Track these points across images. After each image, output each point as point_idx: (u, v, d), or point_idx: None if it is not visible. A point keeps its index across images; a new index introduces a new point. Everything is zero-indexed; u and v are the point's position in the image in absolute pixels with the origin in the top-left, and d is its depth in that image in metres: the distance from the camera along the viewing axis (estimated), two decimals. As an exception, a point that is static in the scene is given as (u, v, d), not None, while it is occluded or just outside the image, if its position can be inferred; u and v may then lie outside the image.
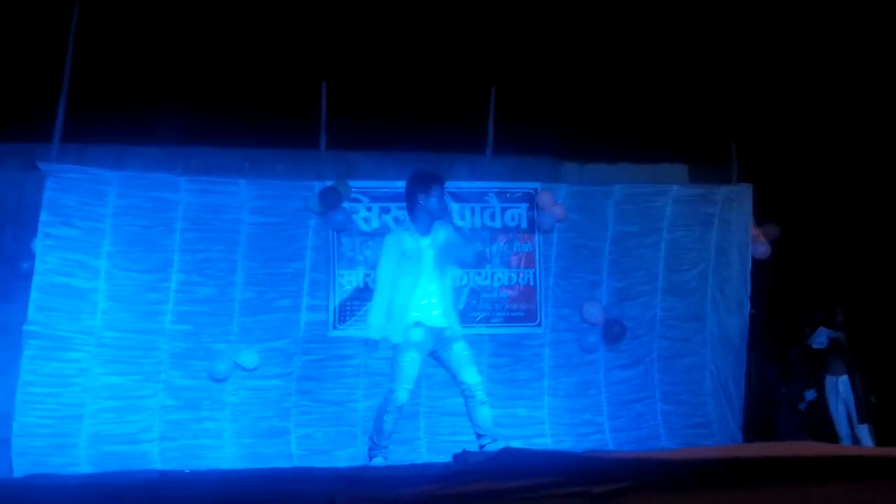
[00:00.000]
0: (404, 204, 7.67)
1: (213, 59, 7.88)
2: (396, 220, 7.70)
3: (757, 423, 8.56)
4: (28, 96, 7.53)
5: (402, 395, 5.73)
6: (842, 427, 8.18)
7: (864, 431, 8.02)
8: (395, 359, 5.79)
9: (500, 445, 5.51)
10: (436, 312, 5.80)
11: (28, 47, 7.53)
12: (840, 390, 8.19)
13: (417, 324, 5.75)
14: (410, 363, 5.72)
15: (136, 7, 7.85)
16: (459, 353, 5.82)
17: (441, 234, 5.94)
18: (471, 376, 5.79)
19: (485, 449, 5.62)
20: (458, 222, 7.68)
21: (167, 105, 8.17)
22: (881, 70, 7.86)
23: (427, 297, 5.80)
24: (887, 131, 8.23)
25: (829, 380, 8.28)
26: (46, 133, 7.10)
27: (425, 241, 5.88)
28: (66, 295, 6.98)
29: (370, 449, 5.90)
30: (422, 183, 5.91)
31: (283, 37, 7.93)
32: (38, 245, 6.90)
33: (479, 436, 5.80)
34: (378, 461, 5.84)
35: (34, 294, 6.86)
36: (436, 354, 5.89)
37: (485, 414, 5.78)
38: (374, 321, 5.88)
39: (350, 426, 7.55)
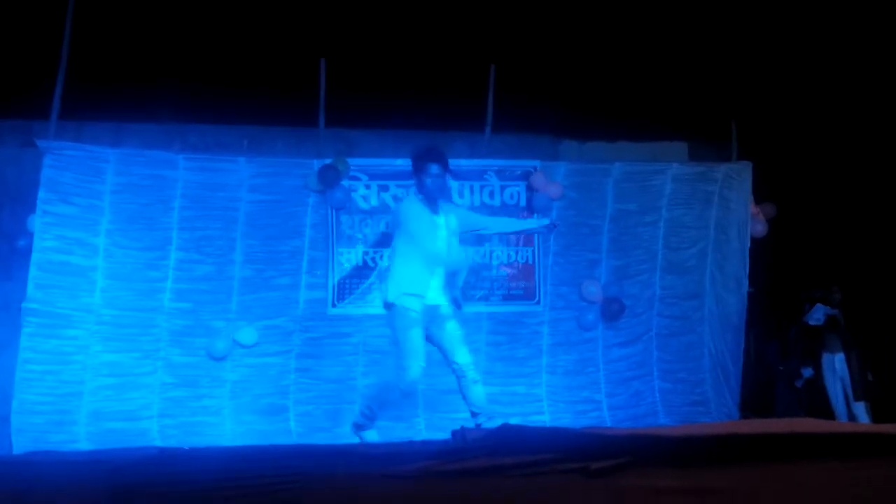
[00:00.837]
0: (403, 182, 7.74)
1: (212, 35, 7.83)
2: (395, 198, 7.71)
3: (754, 400, 8.59)
4: (26, 73, 7.49)
5: (416, 370, 5.67)
6: (838, 405, 8.20)
7: (860, 409, 8.05)
8: (399, 338, 5.73)
9: (496, 422, 5.52)
10: (434, 289, 5.79)
11: (26, 24, 7.48)
12: (837, 368, 8.21)
13: (417, 295, 5.71)
14: (416, 338, 5.68)
15: (134, -17, 7.80)
16: (452, 332, 5.81)
17: (452, 218, 5.92)
18: (462, 356, 5.77)
19: (481, 426, 5.63)
20: (458, 200, 7.71)
21: (165, 82, 8.12)
22: (881, 50, 7.82)
23: (430, 273, 5.78)
24: (886, 111, 8.20)
25: (826, 357, 8.30)
26: (44, 110, 7.07)
27: (438, 219, 5.85)
28: (64, 272, 6.98)
29: (364, 419, 5.85)
30: (418, 160, 5.88)
31: (282, 13, 7.88)
32: (37, 222, 6.90)
33: (474, 414, 5.80)
34: (372, 435, 5.82)
35: (33, 271, 6.86)
36: (429, 331, 5.87)
37: (478, 392, 5.77)
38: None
39: (349, 403, 7.56)
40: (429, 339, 5.90)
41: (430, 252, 5.74)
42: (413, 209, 5.86)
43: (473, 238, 6.90)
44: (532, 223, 6.30)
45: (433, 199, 5.86)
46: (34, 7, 7.44)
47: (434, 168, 5.80)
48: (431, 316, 5.79)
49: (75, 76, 7.10)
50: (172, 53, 7.88)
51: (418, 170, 5.85)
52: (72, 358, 6.98)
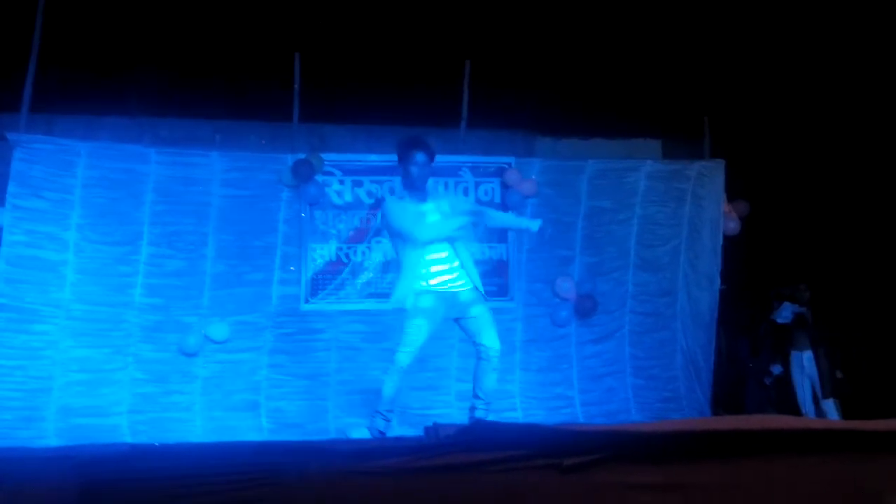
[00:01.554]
0: (377, 177, 7.73)
1: (185, 28, 7.76)
2: (369, 194, 7.69)
3: (726, 397, 8.64)
4: (-5, 65, 7.40)
5: (403, 357, 5.69)
6: (806, 402, 8.26)
7: (829, 406, 8.10)
8: (403, 324, 5.74)
9: (489, 416, 5.57)
10: (448, 278, 5.75)
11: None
12: (805, 365, 8.27)
13: (427, 290, 5.70)
14: (416, 329, 5.68)
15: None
16: (478, 316, 5.77)
17: (444, 202, 5.89)
18: (490, 339, 5.75)
19: (475, 413, 5.65)
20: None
21: (137, 75, 8.04)
22: (855, 47, 7.89)
23: (437, 263, 5.76)
24: (858, 108, 8.27)
25: (794, 355, 8.35)
26: (14, 102, 6.97)
27: (426, 207, 5.83)
28: (34, 267, 6.90)
29: (384, 423, 5.83)
30: (404, 149, 5.87)
31: (256, 6, 7.83)
32: (7, 217, 6.82)
33: (476, 397, 5.81)
34: (378, 423, 5.77)
35: (2, 266, 6.79)
36: (454, 320, 5.87)
37: (492, 380, 5.78)
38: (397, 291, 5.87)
39: (321, 400, 7.55)
40: (457, 326, 5.94)
41: (424, 242, 5.72)
42: (394, 209, 5.84)
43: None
44: (525, 222, 6.25)
45: (418, 188, 5.85)
46: (4, -1, 7.35)
47: (419, 157, 5.80)
48: (450, 305, 5.76)
49: (46, 68, 7.02)
50: (145, 46, 7.80)
51: (403, 158, 5.84)
52: (41, 353, 6.91)
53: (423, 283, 5.70)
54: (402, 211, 5.79)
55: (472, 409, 5.78)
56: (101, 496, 3.01)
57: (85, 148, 7.12)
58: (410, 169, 5.79)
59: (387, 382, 5.78)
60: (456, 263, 5.78)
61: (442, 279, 5.74)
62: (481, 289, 5.84)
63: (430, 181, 5.94)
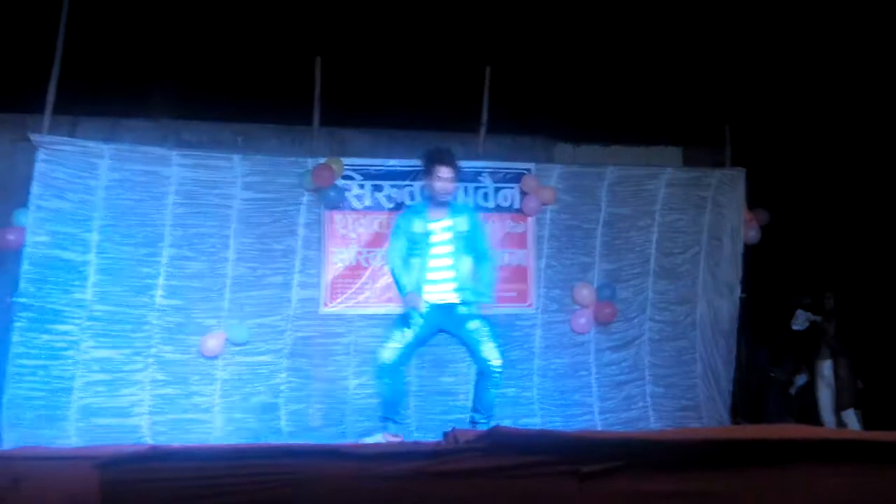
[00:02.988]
0: (397, 182, 7.76)
1: (208, 32, 7.82)
2: (389, 198, 7.72)
3: (745, 406, 8.60)
4: (20, 67, 7.46)
5: (384, 352, 5.77)
6: (825, 412, 8.21)
7: (849, 416, 8.05)
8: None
9: (488, 425, 5.56)
10: (446, 290, 5.83)
11: (20, 18, 7.46)
12: (825, 374, 8.22)
13: (425, 301, 5.82)
14: (401, 328, 5.82)
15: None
16: (474, 330, 5.83)
17: (462, 220, 5.94)
18: (487, 353, 5.81)
19: (476, 426, 5.65)
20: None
21: (160, 78, 8.11)
22: (875, 57, 7.85)
23: (438, 276, 5.82)
24: (880, 116, 8.22)
25: (818, 364, 8.31)
26: (38, 104, 7.03)
27: (438, 224, 5.87)
28: (57, 267, 6.95)
29: (381, 421, 5.93)
30: (428, 161, 5.92)
31: (278, 12, 7.88)
32: (30, 217, 6.87)
33: (475, 410, 5.84)
34: (391, 429, 5.79)
35: (25, 266, 6.83)
36: (450, 333, 5.94)
37: (492, 394, 5.82)
38: (400, 283, 5.99)
39: (340, 403, 7.56)
40: (454, 339, 6.02)
41: (431, 257, 5.84)
42: (403, 224, 6.01)
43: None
44: (483, 290, 6.21)
45: (440, 202, 5.88)
46: (29, 1, 7.42)
47: (443, 171, 5.84)
48: (445, 316, 5.80)
49: (70, 71, 7.07)
50: (168, 50, 7.86)
51: (427, 171, 5.89)
52: (63, 353, 6.95)
53: (426, 292, 5.77)
54: (412, 225, 5.93)
55: (473, 422, 5.81)
56: (121, 496, 3.04)
57: (108, 150, 7.17)
58: (434, 183, 5.84)
59: (379, 386, 5.82)
60: (456, 278, 5.82)
61: (438, 290, 5.78)
62: (488, 298, 5.86)
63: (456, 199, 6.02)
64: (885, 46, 7.73)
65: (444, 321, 5.87)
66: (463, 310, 5.85)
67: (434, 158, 5.91)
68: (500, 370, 5.85)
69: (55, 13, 7.02)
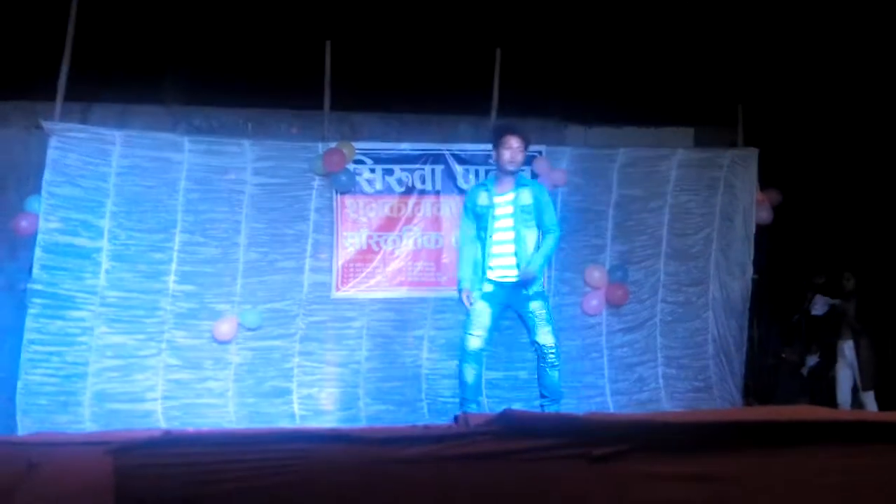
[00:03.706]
0: (408, 165, 7.77)
1: (218, 17, 7.81)
2: (399, 182, 7.72)
3: (758, 387, 8.58)
4: (32, 54, 7.47)
5: (469, 340, 5.89)
6: (842, 393, 8.17)
7: (869, 398, 7.99)
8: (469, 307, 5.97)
9: (558, 407, 5.86)
10: (508, 269, 5.90)
11: (31, 4, 7.46)
12: (846, 354, 8.16)
13: (489, 279, 5.92)
14: (478, 312, 5.92)
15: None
16: (534, 312, 5.94)
17: (525, 193, 5.99)
18: (543, 337, 5.90)
19: (544, 408, 5.84)
20: (462, 185, 7.70)
21: (171, 64, 8.12)
22: (890, 34, 7.77)
23: (501, 254, 5.88)
24: (893, 96, 8.15)
25: (839, 344, 8.24)
26: (50, 91, 7.05)
27: (502, 197, 5.92)
28: (69, 254, 6.99)
29: (461, 405, 6.01)
30: (495, 133, 6.02)
31: (287, -4, 7.86)
32: (42, 204, 6.90)
33: (542, 395, 5.94)
34: (469, 408, 5.89)
35: (38, 253, 6.87)
36: (514, 310, 6.07)
37: (552, 376, 5.93)
38: (458, 274, 6.16)
39: (352, 387, 7.59)
40: (517, 317, 6.16)
41: (494, 232, 5.94)
42: (469, 200, 6.19)
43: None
44: (537, 265, 6.20)
45: (508, 172, 5.92)
46: (40, -11, 7.43)
47: (512, 140, 5.92)
48: (510, 295, 5.89)
49: (81, 58, 7.09)
50: (178, 36, 7.86)
51: (496, 142, 6.02)
52: (76, 339, 7.00)
53: (489, 271, 5.84)
54: (478, 198, 6.07)
55: (542, 407, 5.91)
56: (135, 481, 3.05)
57: (119, 136, 7.19)
58: (503, 153, 5.90)
59: (462, 369, 5.94)
60: (519, 256, 5.87)
61: (502, 271, 5.84)
62: (534, 270, 5.90)
63: (522, 173, 6.18)
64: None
65: (510, 299, 5.95)
66: (525, 289, 5.92)
67: (503, 128, 6.08)
68: (553, 351, 5.92)
69: (66, 1, 7.01)
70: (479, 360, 5.98)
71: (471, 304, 5.96)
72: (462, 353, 6.01)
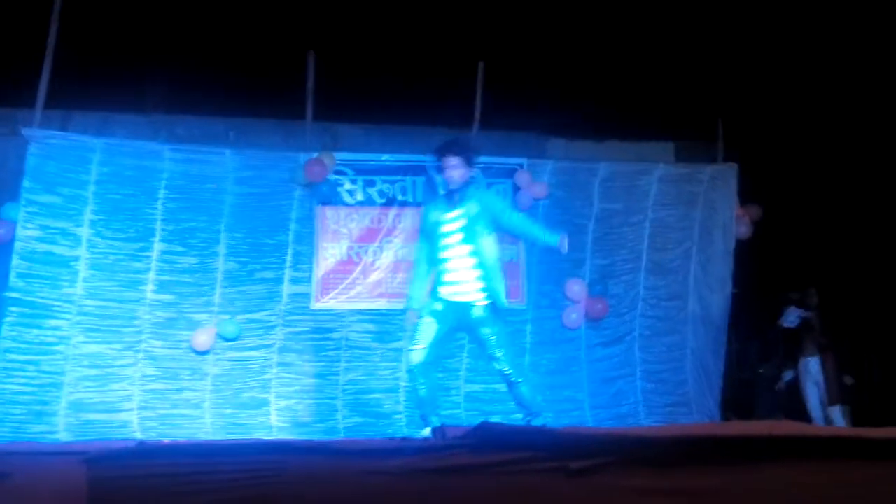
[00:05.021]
0: (389, 177, 7.76)
1: (200, 26, 7.80)
2: (381, 193, 7.71)
3: (736, 401, 8.62)
4: (11, 61, 7.43)
5: (413, 354, 5.76)
6: (814, 409, 8.23)
7: (836, 413, 8.06)
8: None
9: (542, 420, 5.70)
10: (457, 289, 5.75)
11: (12, 11, 7.42)
12: (812, 371, 8.23)
13: (440, 297, 5.77)
14: (424, 325, 5.76)
15: (122, -27, 7.76)
16: (485, 337, 5.78)
17: (473, 204, 5.82)
18: (497, 363, 5.79)
19: (530, 423, 5.70)
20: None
21: (152, 72, 8.09)
22: (869, 51, 7.86)
23: (453, 270, 5.79)
24: (872, 112, 8.24)
25: (802, 361, 8.32)
26: (30, 98, 7.01)
27: (450, 214, 5.84)
28: (47, 262, 6.93)
29: (422, 421, 5.90)
30: (436, 154, 5.96)
31: (271, 6, 7.86)
32: (21, 212, 6.85)
33: (521, 412, 5.88)
34: (431, 421, 5.75)
35: (15, 261, 6.81)
36: (465, 332, 5.99)
37: (522, 392, 5.81)
38: (409, 291, 6.06)
39: (330, 399, 7.56)
40: (472, 340, 6.09)
41: (443, 250, 5.80)
42: (422, 219, 6.08)
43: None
44: (548, 237, 6.15)
45: (452, 191, 5.87)
46: (21, -6, 7.40)
47: (448, 160, 5.84)
48: (460, 316, 5.77)
49: (62, 65, 7.04)
50: (160, 44, 7.84)
51: (437, 165, 5.95)
52: (53, 348, 6.94)
53: (439, 290, 5.76)
54: (430, 216, 5.95)
55: (528, 423, 5.82)
56: (109, 492, 3.02)
57: (99, 144, 7.15)
58: (444, 173, 5.87)
59: (414, 388, 5.85)
60: (475, 273, 5.76)
61: (452, 289, 5.75)
62: (501, 301, 5.80)
63: (471, 185, 5.96)
64: (876, 43, 7.74)
65: (459, 321, 5.83)
66: (478, 312, 5.76)
67: (439, 149, 5.92)
68: (510, 371, 5.82)
69: (47, 7, 6.98)
70: (425, 375, 5.75)
71: (413, 324, 5.90)
72: (408, 369, 5.92)
